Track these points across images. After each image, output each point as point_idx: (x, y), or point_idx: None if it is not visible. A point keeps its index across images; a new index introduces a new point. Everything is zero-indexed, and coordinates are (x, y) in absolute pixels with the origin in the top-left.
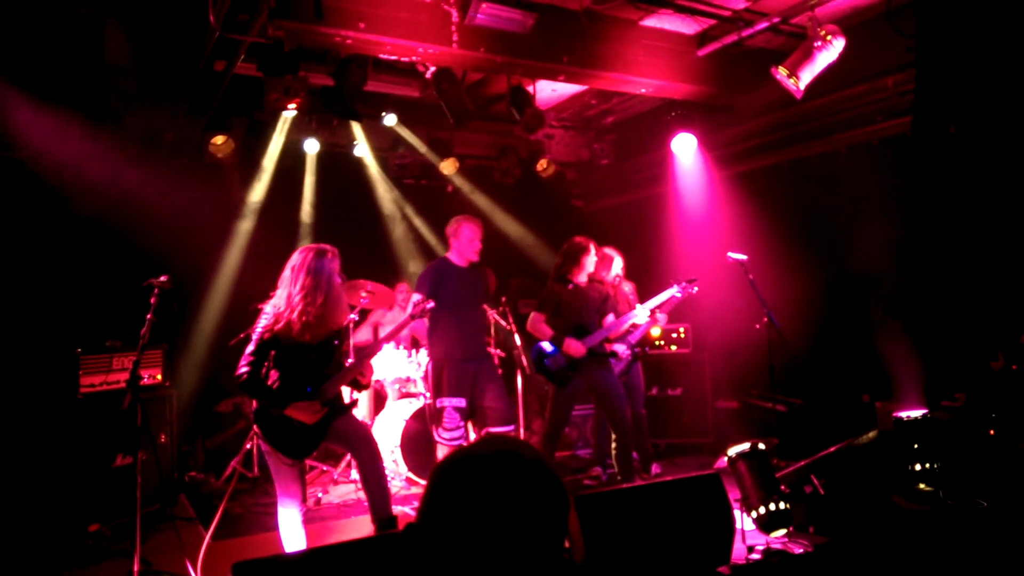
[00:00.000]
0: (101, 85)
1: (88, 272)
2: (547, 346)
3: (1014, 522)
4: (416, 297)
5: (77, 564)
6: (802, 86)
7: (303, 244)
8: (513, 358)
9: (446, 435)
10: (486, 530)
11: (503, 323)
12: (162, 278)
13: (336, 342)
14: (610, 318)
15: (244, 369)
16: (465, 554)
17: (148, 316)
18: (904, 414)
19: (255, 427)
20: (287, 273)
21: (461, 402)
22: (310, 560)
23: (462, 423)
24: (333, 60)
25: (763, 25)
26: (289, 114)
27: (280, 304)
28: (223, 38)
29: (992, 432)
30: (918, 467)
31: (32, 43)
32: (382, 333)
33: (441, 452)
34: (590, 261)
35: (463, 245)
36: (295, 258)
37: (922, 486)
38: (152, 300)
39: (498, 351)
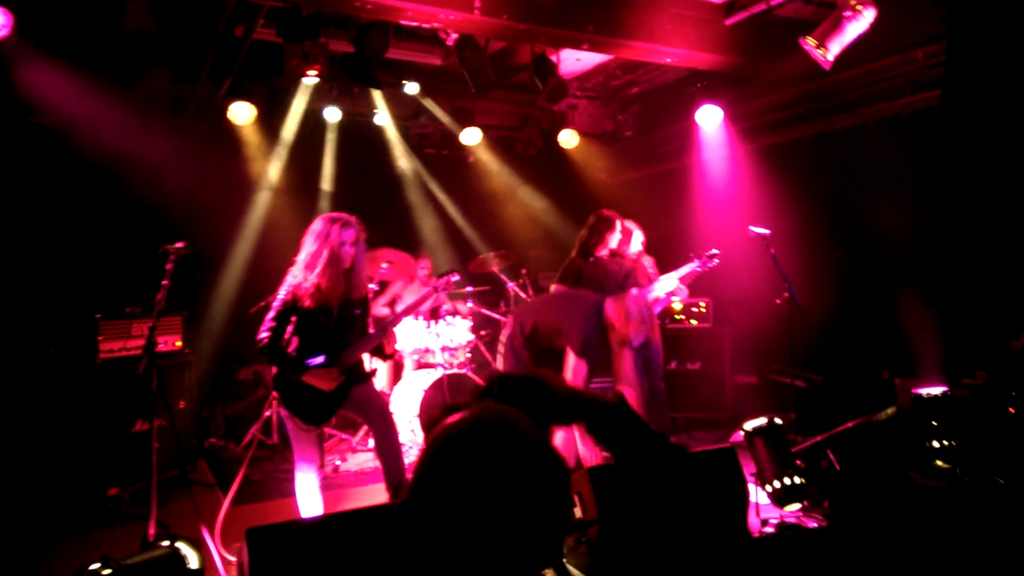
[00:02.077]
0: (123, 50)
1: (109, 238)
2: None
3: None
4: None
5: (96, 526)
6: (831, 57)
7: (322, 212)
8: None
9: None
10: (484, 501)
11: (523, 295)
12: (179, 244)
13: (358, 311)
14: (633, 292)
15: (265, 334)
16: (461, 528)
17: (164, 282)
18: (924, 391)
19: (274, 392)
20: (307, 239)
21: None
22: (323, 526)
23: None
24: (353, 26)
25: None
26: (310, 81)
27: (298, 271)
28: (242, 2)
29: (1012, 411)
30: (936, 444)
31: (55, 7)
32: (400, 306)
33: None
34: (614, 238)
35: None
36: (315, 225)
37: (939, 463)
38: (168, 266)
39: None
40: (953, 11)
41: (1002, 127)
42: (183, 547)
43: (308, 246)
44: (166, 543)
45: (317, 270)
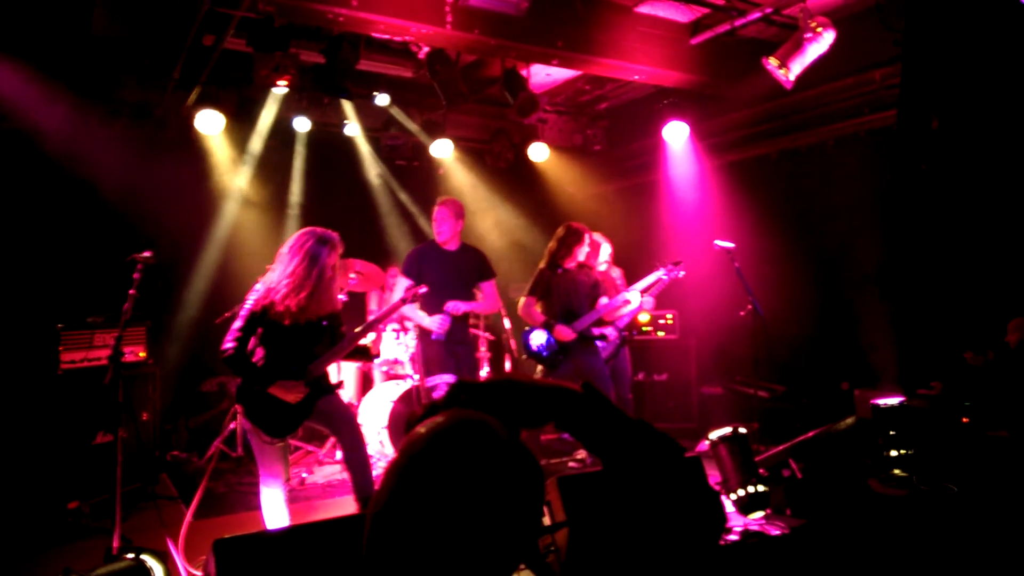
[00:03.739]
0: (89, 56)
1: (71, 246)
2: (538, 333)
3: (984, 507)
4: (406, 282)
5: (56, 541)
6: (792, 77)
7: (291, 223)
8: (502, 342)
9: None
10: (457, 507)
11: None
12: (146, 253)
13: (325, 323)
14: (601, 301)
15: (230, 344)
16: (436, 535)
17: (131, 292)
18: (881, 401)
19: (237, 405)
20: (283, 252)
21: (453, 379)
22: (292, 537)
23: None
24: (325, 37)
25: (756, 15)
26: (279, 91)
27: (271, 283)
28: (213, 11)
29: (965, 420)
30: (894, 453)
31: (18, 11)
32: (371, 317)
33: None
34: (583, 250)
35: (434, 227)
36: (294, 240)
37: (897, 472)
38: (135, 276)
39: (487, 334)
40: (906, 34)
41: (954, 146)
42: (148, 560)
43: (291, 262)
44: (130, 556)
45: (290, 288)
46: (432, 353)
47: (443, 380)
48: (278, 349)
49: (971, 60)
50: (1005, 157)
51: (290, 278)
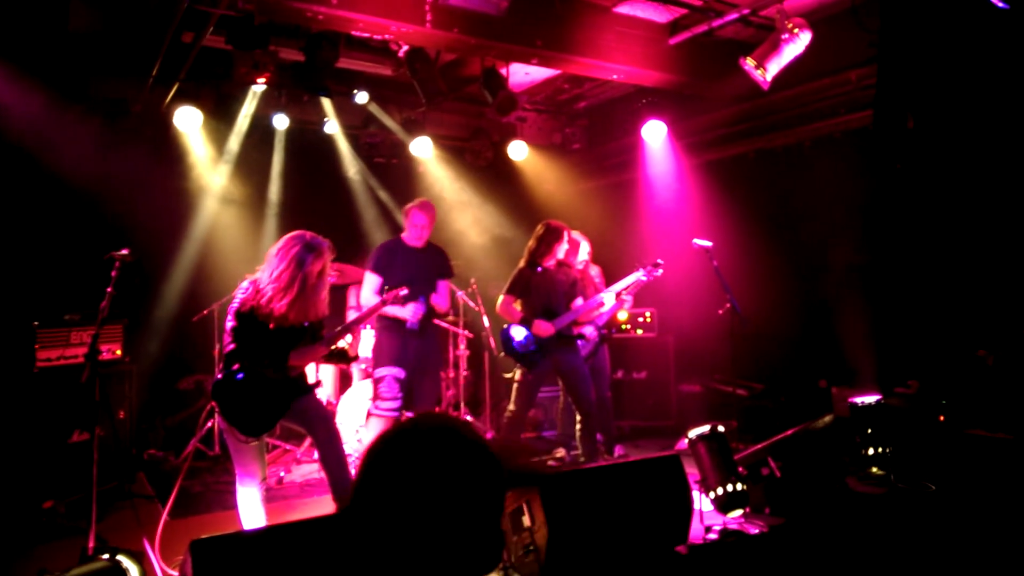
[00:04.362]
0: (65, 53)
1: (48, 243)
2: (517, 330)
3: (961, 504)
4: (374, 277)
5: (31, 541)
6: (769, 77)
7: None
8: (481, 339)
9: (383, 405)
10: (424, 508)
11: (472, 304)
12: (124, 251)
13: (306, 324)
14: (578, 301)
15: (232, 345)
16: (403, 533)
17: (109, 289)
18: (859, 399)
19: (213, 403)
20: (272, 255)
21: (401, 372)
22: (268, 537)
23: (400, 394)
24: (304, 35)
25: (733, 16)
26: (258, 88)
27: (260, 283)
28: (192, 8)
29: (942, 418)
30: (871, 451)
31: None
32: (350, 317)
33: (376, 425)
34: (562, 249)
35: (410, 228)
36: (283, 243)
37: (875, 470)
38: (113, 273)
39: (466, 332)
40: (882, 36)
41: (929, 146)
42: (124, 560)
43: (278, 267)
44: (106, 556)
45: (285, 297)
46: (385, 344)
47: (390, 373)
48: (257, 347)
49: (946, 60)
50: (981, 156)
51: (275, 283)
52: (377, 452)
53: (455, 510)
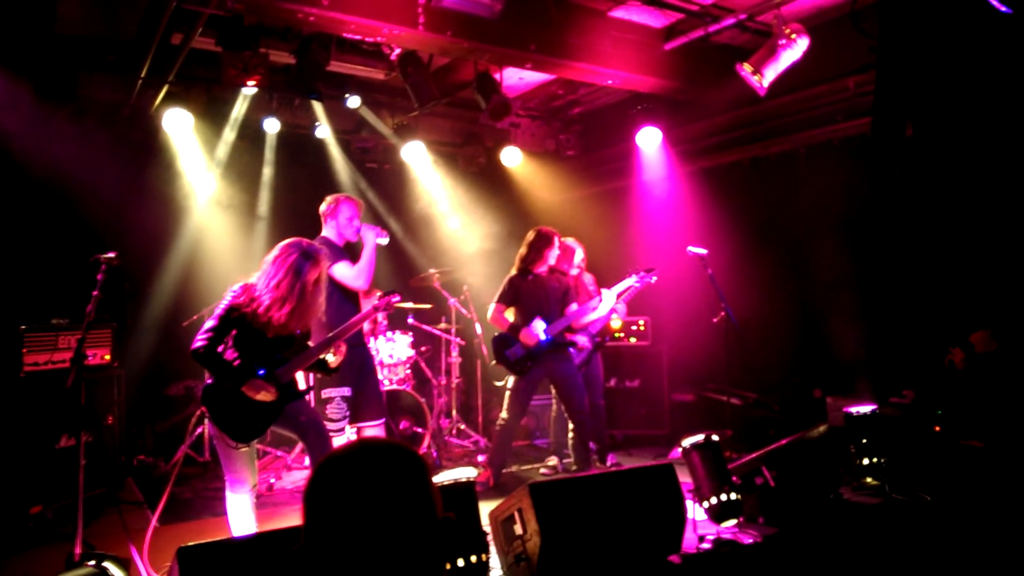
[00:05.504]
0: (53, 54)
1: (35, 247)
2: (507, 338)
3: (956, 515)
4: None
5: (17, 547)
6: (766, 83)
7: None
8: (473, 347)
9: (332, 425)
10: (362, 518)
11: (464, 311)
12: (110, 254)
13: (298, 331)
14: (572, 307)
15: (201, 343)
16: (352, 544)
17: (94, 293)
18: (854, 409)
19: (203, 408)
20: (267, 261)
21: (347, 391)
22: (258, 544)
23: (347, 412)
24: (295, 37)
25: (730, 21)
26: (248, 91)
27: (254, 291)
28: (180, 9)
29: (937, 428)
30: (866, 461)
31: None
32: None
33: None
34: (553, 254)
35: (342, 225)
36: (279, 251)
37: (869, 480)
38: (99, 276)
39: (458, 339)
40: (881, 41)
41: (928, 154)
42: (110, 566)
43: (276, 275)
44: (92, 562)
45: (284, 306)
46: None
47: (339, 393)
48: (250, 354)
49: (946, 67)
50: (980, 164)
51: (273, 291)
52: (312, 488)
53: (389, 508)
